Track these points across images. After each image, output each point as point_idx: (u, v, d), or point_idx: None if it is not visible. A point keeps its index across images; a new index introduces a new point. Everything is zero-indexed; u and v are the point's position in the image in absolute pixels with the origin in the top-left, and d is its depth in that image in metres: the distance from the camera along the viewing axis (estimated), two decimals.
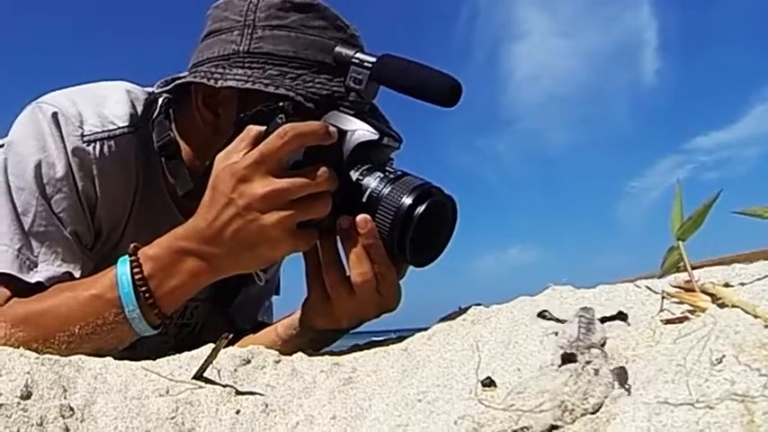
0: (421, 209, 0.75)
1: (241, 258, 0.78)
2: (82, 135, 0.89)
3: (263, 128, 0.77)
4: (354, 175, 0.79)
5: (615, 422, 0.41)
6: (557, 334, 0.55)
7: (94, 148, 0.90)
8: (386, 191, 0.76)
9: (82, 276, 0.87)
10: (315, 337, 0.84)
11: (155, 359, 0.69)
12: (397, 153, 0.86)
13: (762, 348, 0.41)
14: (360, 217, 0.76)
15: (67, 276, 0.86)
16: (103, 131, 0.91)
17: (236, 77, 0.86)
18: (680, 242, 0.58)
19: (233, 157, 0.77)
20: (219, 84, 0.86)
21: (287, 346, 0.80)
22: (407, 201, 0.75)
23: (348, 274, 0.78)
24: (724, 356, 0.41)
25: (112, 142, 0.91)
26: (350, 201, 0.78)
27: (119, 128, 0.93)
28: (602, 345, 0.51)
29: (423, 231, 0.75)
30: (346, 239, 0.78)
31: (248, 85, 0.85)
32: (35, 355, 0.62)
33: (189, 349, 0.71)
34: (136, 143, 0.95)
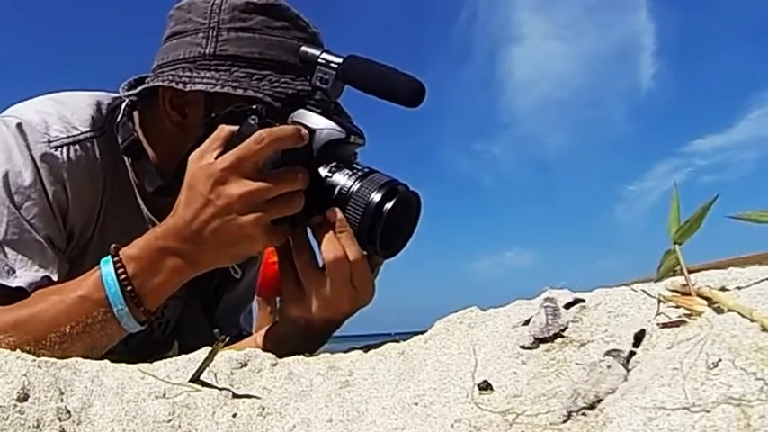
0: (389, 204, 0.79)
1: (219, 254, 0.81)
2: (49, 141, 0.91)
3: (235, 128, 0.81)
4: (323, 171, 0.83)
5: (612, 425, 0.41)
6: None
7: (62, 152, 0.91)
8: (355, 187, 0.80)
9: (59, 279, 0.88)
10: (294, 343, 0.83)
11: (151, 362, 0.69)
12: (362, 149, 0.89)
13: (758, 352, 0.41)
14: (329, 210, 0.80)
15: (46, 281, 0.87)
16: (68, 137, 0.93)
17: (205, 81, 0.88)
18: (676, 246, 0.58)
19: (206, 157, 0.79)
20: (188, 87, 0.88)
21: None
22: (376, 197, 0.79)
23: (321, 264, 0.81)
24: (720, 360, 0.41)
25: (78, 146, 0.93)
26: (320, 197, 0.81)
27: (82, 133, 0.95)
28: (565, 329, 0.55)
29: (390, 225, 0.80)
30: (318, 233, 0.81)
31: (217, 89, 0.87)
32: (32, 357, 0.62)
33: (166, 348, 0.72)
34: (101, 147, 0.96)
